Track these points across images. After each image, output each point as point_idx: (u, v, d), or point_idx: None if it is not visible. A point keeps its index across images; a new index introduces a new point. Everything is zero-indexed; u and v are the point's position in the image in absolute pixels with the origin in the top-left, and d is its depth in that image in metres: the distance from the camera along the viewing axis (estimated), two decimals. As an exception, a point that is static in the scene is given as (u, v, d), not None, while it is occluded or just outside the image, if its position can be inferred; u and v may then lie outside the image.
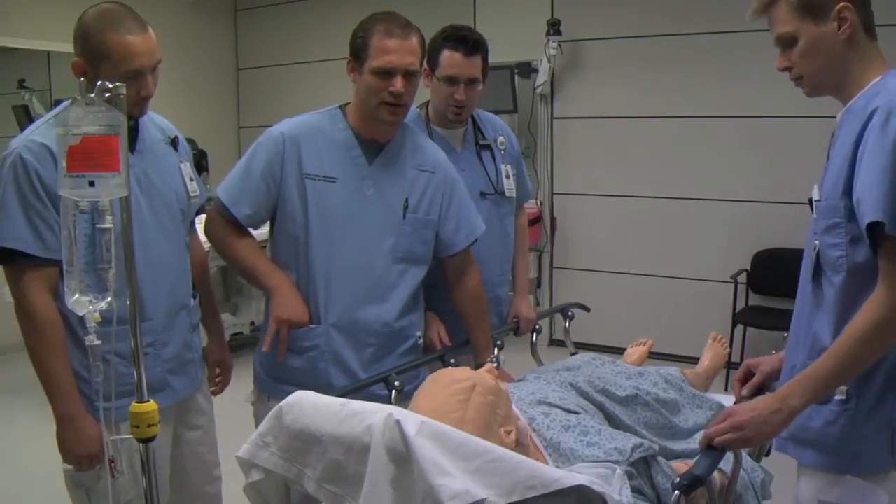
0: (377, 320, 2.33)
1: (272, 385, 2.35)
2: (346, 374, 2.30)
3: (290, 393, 2.00)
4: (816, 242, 1.76)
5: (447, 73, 2.61)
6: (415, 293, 2.42)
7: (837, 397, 1.72)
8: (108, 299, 1.65)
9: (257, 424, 2.27)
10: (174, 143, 2.33)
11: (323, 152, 2.29)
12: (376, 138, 2.34)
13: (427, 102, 2.78)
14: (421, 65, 2.30)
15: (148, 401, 1.68)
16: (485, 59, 2.66)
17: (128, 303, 1.66)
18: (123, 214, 1.65)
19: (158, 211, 2.19)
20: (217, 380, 2.54)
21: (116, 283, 1.64)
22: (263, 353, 2.32)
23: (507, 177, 2.86)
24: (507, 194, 2.86)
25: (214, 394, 2.53)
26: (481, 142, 2.82)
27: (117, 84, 1.60)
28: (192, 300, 2.35)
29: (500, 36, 6.20)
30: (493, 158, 2.84)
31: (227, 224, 2.32)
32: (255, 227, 2.37)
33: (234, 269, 2.44)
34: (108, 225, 1.64)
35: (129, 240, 1.66)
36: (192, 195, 2.32)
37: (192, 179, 2.34)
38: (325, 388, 2.12)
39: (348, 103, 2.37)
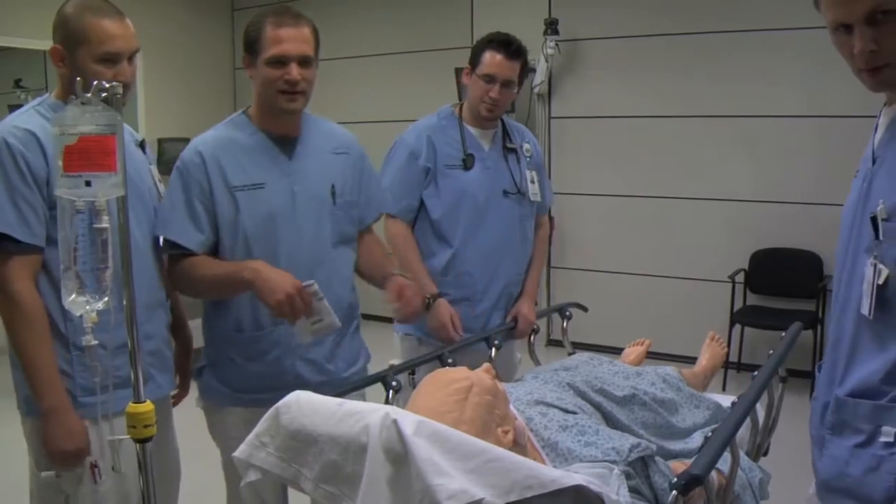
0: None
1: (232, 396, 2.33)
2: (313, 366, 2.33)
3: (255, 400, 2.19)
4: (882, 269, 1.51)
5: (486, 72, 2.81)
6: (351, 273, 2.49)
7: (883, 439, 1.53)
8: (106, 299, 1.65)
9: (216, 435, 2.37)
10: (142, 146, 2.36)
11: (243, 161, 2.26)
12: (287, 133, 2.33)
13: (461, 104, 3.00)
14: (316, 54, 2.27)
15: (145, 401, 1.68)
16: (523, 67, 2.87)
17: (124, 302, 1.66)
18: (120, 214, 1.65)
19: (136, 207, 2.15)
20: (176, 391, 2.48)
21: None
22: (211, 363, 2.34)
23: (532, 182, 3.03)
24: (532, 198, 3.03)
25: (173, 403, 2.47)
26: (508, 145, 3.01)
27: (114, 84, 1.60)
28: (166, 300, 2.35)
29: (497, 35, 6.22)
30: (518, 162, 3.01)
31: (183, 262, 2.24)
32: (210, 252, 2.27)
33: (209, 296, 2.32)
34: (104, 225, 1.64)
35: (126, 239, 1.66)
36: (162, 195, 2.33)
37: (160, 181, 2.37)
38: (294, 385, 2.10)
39: (249, 107, 2.36)
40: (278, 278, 2.10)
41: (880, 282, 1.50)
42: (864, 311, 1.55)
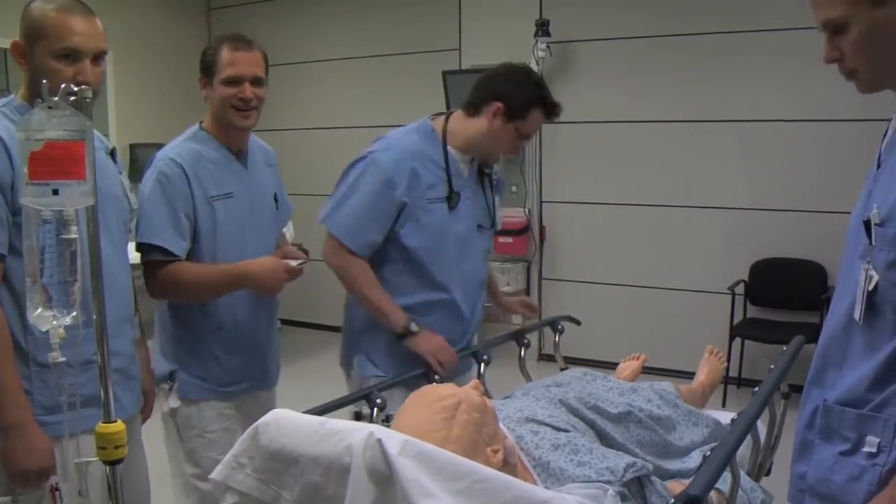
0: (275, 306, 2.82)
1: (212, 390, 2.61)
2: (274, 360, 2.81)
3: (232, 393, 2.64)
4: (873, 275, 1.54)
5: (528, 132, 2.68)
6: None
7: (866, 448, 1.58)
8: (74, 314, 1.63)
9: (189, 432, 2.58)
10: (112, 155, 2.36)
11: (214, 174, 2.57)
12: (242, 148, 2.67)
13: (447, 115, 2.76)
14: (266, 75, 2.61)
15: (115, 420, 1.67)
16: None
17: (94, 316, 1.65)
18: (90, 224, 1.64)
19: (106, 217, 2.15)
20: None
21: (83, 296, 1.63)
22: (185, 363, 2.60)
23: (498, 209, 2.95)
24: (498, 227, 2.97)
25: None
26: (486, 170, 2.86)
27: (83, 87, 1.60)
28: (134, 315, 2.38)
29: (485, 37, 6.23)
30: (492, 189, 2.90)
31: (167, 268, 2.48)
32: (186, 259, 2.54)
33: (198, 299, 2.58)
34: (73, 235, 1.62)
35: (96, 251, 1.66)
36: (133, 207, 2.39)
37: (131, 191, 2.41)
38: (264, 377, 2.76)
39: (201, 122, 2.64)
40: (269, 272, 2.50)
41: (870, 288, 1.55)
42: (856, 316, 1.59)
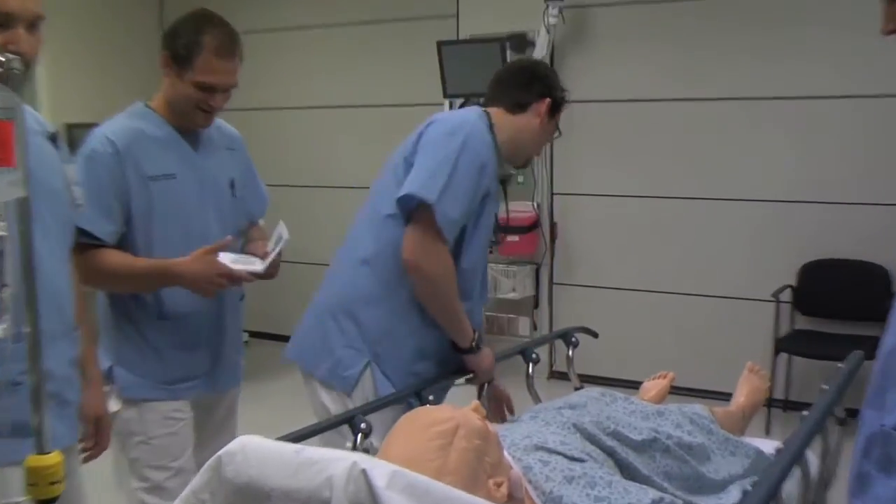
0: (234, 295, 2.89)
1: (155, 388, 2.71)
2: (220, 354, 2.84)
3: (176, 391, 2.74)
4: None
5: (556, 128, 2.96)
6: None
7: None
8: (5, 325, 1.63)
9: (125, 439, 2.69)
10: (53, 139, 2.33)
11: (154, 153, 2.70)
12: (192, 129, 2.79)
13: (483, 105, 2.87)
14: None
15: (50, 452, 1.66)
16: None
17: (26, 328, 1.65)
18: (21, 221, 1.64)
19: (42, 213, 2.10)
20: (91, 442, 2.48)
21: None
22: (125, 359, 2.71)
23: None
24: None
25: (87, 459, 2.48)
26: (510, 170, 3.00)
27: (10, 56, 1.59)
28: (74, 329, 2.34)
29: (490, 2, 6.23)
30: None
31: (93, 253, 2.61)
32: (118, 243, 2.67)
33: (123, 289, 2.74)
34: (1, 233, 1.62)
35: (29, 250, 1.65)
36: (77, 202, 2.35)
37: (76, 184, 2.38)
38: (209, 374, 2.81)
39: (148, 100, 2.77)
40: (201, 275, 2.59)
41: None
42: None
